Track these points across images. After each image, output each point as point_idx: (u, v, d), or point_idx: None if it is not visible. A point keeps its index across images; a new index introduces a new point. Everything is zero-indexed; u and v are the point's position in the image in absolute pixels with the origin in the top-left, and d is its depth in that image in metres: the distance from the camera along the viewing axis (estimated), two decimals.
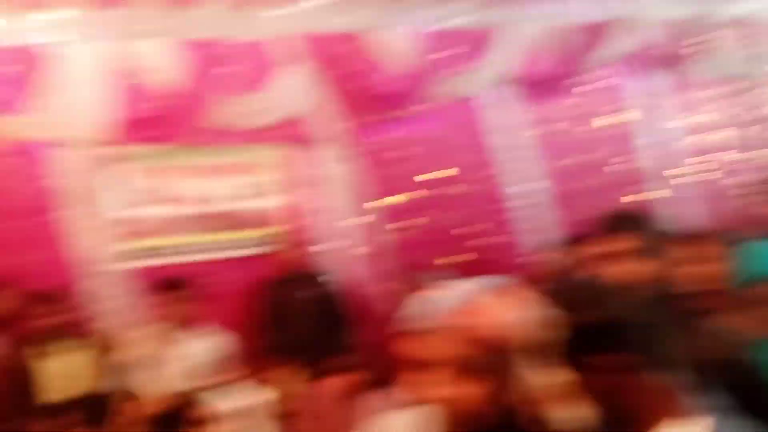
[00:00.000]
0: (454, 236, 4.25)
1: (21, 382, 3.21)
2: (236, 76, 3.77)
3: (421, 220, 4.25)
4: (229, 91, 3.76)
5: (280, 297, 3.68)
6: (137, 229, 3.75)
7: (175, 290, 3.33)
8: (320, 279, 3.83)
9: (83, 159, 3.63)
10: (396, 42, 4.09)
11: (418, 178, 4.27)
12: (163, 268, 3.65)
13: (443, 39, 4.20)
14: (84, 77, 3.49)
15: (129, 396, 2.90)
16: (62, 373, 3.27)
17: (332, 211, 4.08)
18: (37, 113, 3.47)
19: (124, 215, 3.73)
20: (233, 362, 3.39)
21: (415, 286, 3.76)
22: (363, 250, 4.12)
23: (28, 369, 3.22)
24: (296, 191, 4.06)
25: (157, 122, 3.65)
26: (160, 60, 3.64)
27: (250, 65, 3.81)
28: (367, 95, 4.09)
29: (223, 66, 3.76)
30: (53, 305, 3.30)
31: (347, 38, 4.05)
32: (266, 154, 4.02)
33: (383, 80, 4.09)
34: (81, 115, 3.49)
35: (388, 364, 3.29)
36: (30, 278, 3.40)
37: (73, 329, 3.40)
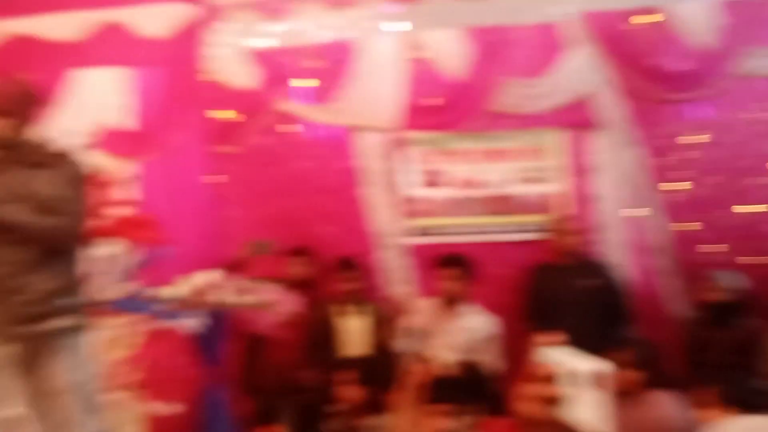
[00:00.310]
0: (753, 233, 3.75)
1: (322, 336, 3.70)
2: (521, 60, 3.81)
3: (714, 214, 3.82)
4: (514, 76, 3.82)
5: (555, 285, 3.63)
6: (425, 208, 4.03)
7: (454, 267, 3.50)
8: (598, 269, 3.69)
9: (381, 142, 4.00)
10: (694, 15, 3.74)
11: (712, 167, 3.83)
12: (444, 246, 3.85)
13: (750, 8, 3.72)
14: (382, 67, 3.86)
15: (415, 360, 3.14)
16: (355, 333, 3.69)
17: (613, 199, 3.88)
18: (343, 101, 3.93)
19: (414, 195, 4.03)
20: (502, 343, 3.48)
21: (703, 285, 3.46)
22: (645, 242, 3.86)
23: (329, 326, 3.70)
24: (578, 177, 3.94)
25: (447, 108, 3.87)
26: (449, 48, 3.85)
27: (535, 49, 3.82)
28: (658, 75, 3.80)
29: (509, 51, 3.82)
30: (352, 271, 3.73)
31: (636, 15, 3.81)
32: (549, 139, 3.98)
33: (676, 58, 3.77)
34: (379, 102, 3.86)
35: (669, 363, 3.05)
36: (333, 246, 3.90)
37: (366, 294, 3.80)
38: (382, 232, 3.98)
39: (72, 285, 2.40)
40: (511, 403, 2.78)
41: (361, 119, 3.96)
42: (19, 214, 2.25)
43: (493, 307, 3.57)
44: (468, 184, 4.00)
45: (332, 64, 3.94)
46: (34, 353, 2.34)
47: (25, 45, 3.99)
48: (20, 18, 4.05)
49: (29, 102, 2.39)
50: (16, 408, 2.46)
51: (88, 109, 3.99)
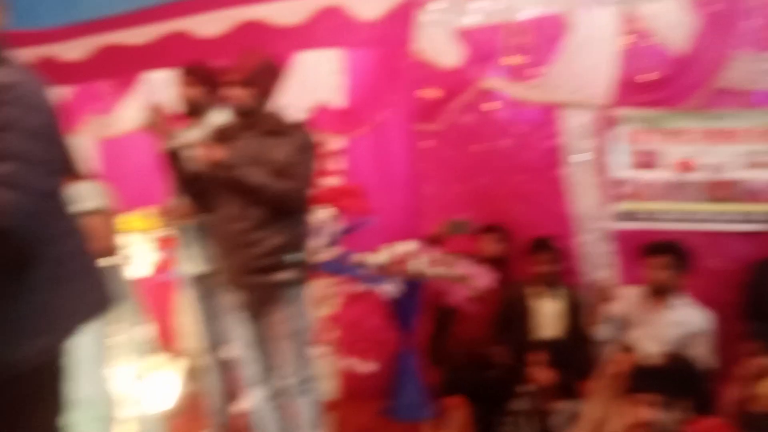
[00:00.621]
0: None
1: (514, 315, 3.66)
2: (758, 31, 3.41)
3: None
4: (747, 49, 3.43)
5: None
6: (634, 191, 3.77)
7: (664, 256, 3.25)
8: None
9: (589, 120, 3.81)
10: None
11: None
12: (654, 232, 3.59)
13: None
14: (594, 41, 3.67)
15: (616, 348, 2.99)
16: (548, 315, 3.60)
17: None
18: (551, 78, 3.81)
19: (623, 176, 3.78)
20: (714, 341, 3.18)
21: None
22: None
23: (522, 305, 3.65)
24: None
25: (665, 84, 3.59)
26: (669, 19, 3.56)
27: None
28: None
29: (742, 21, 3.44)
30: (548, 253, 3.64)
31: None
32: None
33: None
34: (590, 78, 3.68)
35: None
36: (531, 227, 3.83)
37: (562, 278, 3.68)
38: (584, 214, 3.81)
39: (297, 242, 2.61)
40: (721, 403, 2.57)
41: (569, 96, 3.79)
42: (257, 177, 2.48)
43: (706, 301, 3.26)
44: (684, 166, 3.68)
45: (541, 39, 3.83)
46: (260, 301, 2.58)
47: (256, 29, 4.41)
48: (252, 5, 4.49)
49: (268, 74, 2.60)
50: (239, 350, 2.77)
51: (307, 87, 4.30)
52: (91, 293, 1.72)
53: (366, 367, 3.64)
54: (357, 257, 3.56)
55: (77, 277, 1.65)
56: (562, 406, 3.05)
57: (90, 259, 1.75)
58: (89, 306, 1.71)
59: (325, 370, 3.60)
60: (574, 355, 3.28)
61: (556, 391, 3.10)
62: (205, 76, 3.09)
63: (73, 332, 1.64)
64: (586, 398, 2.91)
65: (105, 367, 2.64)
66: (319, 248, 3.48)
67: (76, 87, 4.91)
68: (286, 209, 2.56)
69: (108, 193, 2.74)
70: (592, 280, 3.71)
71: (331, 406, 3.12)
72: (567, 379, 3.12)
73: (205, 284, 3.10)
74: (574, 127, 3.83)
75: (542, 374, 3.12)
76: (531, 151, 3.93)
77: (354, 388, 3.72)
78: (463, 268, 3.54)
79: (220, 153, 2.50)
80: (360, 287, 3.56)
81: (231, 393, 3.26)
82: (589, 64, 3.69)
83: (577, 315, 3.55)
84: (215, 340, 3.19)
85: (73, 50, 4.95)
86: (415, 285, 3.58)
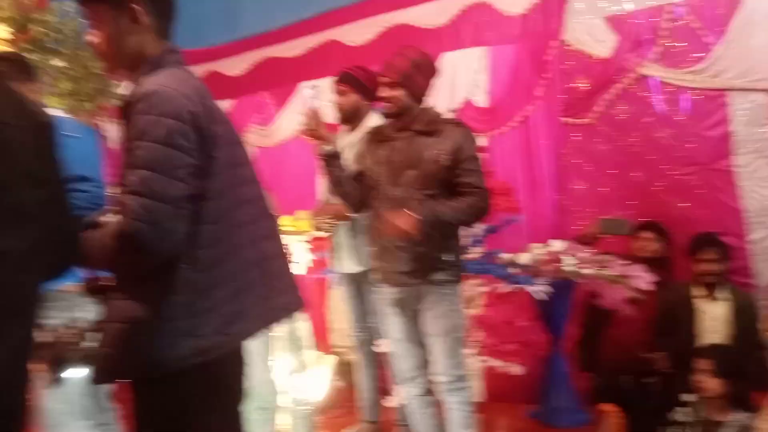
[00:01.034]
0: None
1: (675, 319, 3.41)
2: None
3: None
4: None
5: None
6: None
7: None
8: None
9: (763, 105, 3.47)
10: None
11: None
12: None
13: None
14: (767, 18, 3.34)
15: None
16: (714, 320, 3.32)
17: None
18: (716, 61, 3.52)
19: None
20: None
21: None
22: None
23: (684, 308, 3.40)
24: None
25: None
26: None
27: None
28: None
29: None
30: (713, 251, 3.35)
31: None
32: None
33: None
34: (762, 59, 3.36)
35: None
36: (693, 223, 3.55)
37: (730, 278, 3.39)
38: (758, 209, 3.47)
39: (454, 244, 2.62)
40: None
41: (737, 80, 3.48)
42: (448, 214, 2.45)
43: None
44: None
45: (703, 20, 3.55)
46: (415, 299, 2.59)
47: (405, 33, 4.50)
48: (400, 10, 4.60)
49: (421, 72, 2.53)
50: (391, 346, 2.82)
51: (452, 87, 4.31)
52: (270, 299, 1.68)
53: (513, 369, 3.57)
54: (504, 257, 3.51)
55: (252, 282, 1.62)
56: (732, 419, 2.80)
57: (272, 265, 1.71)
58: (263, 311, 1.67)
59: (472, 371, 3.58)
60: (746, 364, 2.99)
61: (724, 402, 2.85)
62: (358, 83, 3.10)
63: (242, 336, 1.63)
64: (761, 411, 2.65)
65: (269, 359, 2.80)
66: (464, 248, 3.46)
67: (238, 100, 5.30)
68: (478, 221, 2.66)
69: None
70: (764, 282, 3.36)
71: (478, 408, 3.11)
72: (738, 389, 2.86)
73: (358, 282, 3.18)
74: (745, 114, 3.50)
75: (709, 383, 2.88)
76: (693, 142, 3.65)
77: (500, 391, 3.66)
78: (619, 268, 3.36)
79: (410, 221, 2.40)
80: (505, 288, 3.49)
81: (383, 389, 3.34)
82: (761, 43, 3.35)
83: (748, 319, 3.24)
84: (368, 337, 3.26)
85: (236, 66, 5.37)
86: (566, 286, 3.45)
